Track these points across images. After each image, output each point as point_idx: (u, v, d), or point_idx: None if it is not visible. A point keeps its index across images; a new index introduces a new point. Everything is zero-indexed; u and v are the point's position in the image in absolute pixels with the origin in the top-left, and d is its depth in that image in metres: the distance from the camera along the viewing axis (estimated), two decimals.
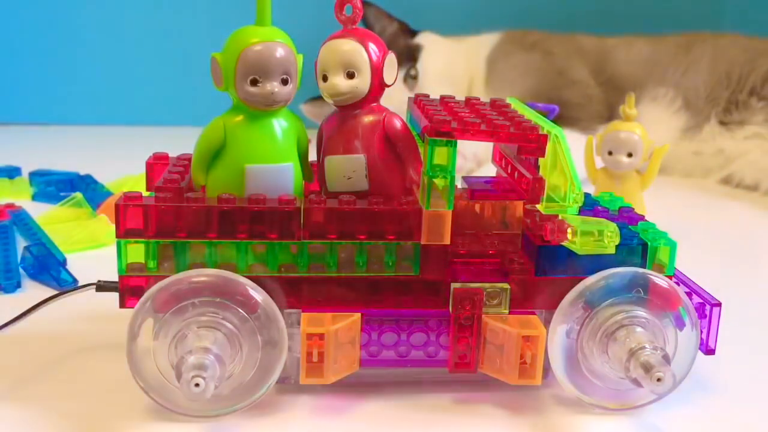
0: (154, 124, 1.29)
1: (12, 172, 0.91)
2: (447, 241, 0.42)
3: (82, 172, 0.90)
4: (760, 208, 0.91)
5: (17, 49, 1.29)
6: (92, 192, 0.83)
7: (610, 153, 0.70)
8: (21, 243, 0.67)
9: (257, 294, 0.41)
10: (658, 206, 0.74)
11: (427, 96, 0.49)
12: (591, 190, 0.73)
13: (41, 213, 0.75)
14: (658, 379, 0.39)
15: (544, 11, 1.23)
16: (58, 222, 0.72)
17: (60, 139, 1.21)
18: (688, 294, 0.45)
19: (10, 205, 0.76)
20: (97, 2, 1.27)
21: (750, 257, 0.75)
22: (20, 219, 0.72)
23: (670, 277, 0.44)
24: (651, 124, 1.01)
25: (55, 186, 0.85)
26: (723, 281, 0.64)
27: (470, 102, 0.48)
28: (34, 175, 0.87)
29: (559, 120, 1.02)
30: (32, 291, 0.59)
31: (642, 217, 0.47)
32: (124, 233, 0.41)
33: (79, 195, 0.75)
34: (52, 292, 0.57)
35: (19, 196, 0.84)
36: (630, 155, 0.69)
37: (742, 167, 0.98)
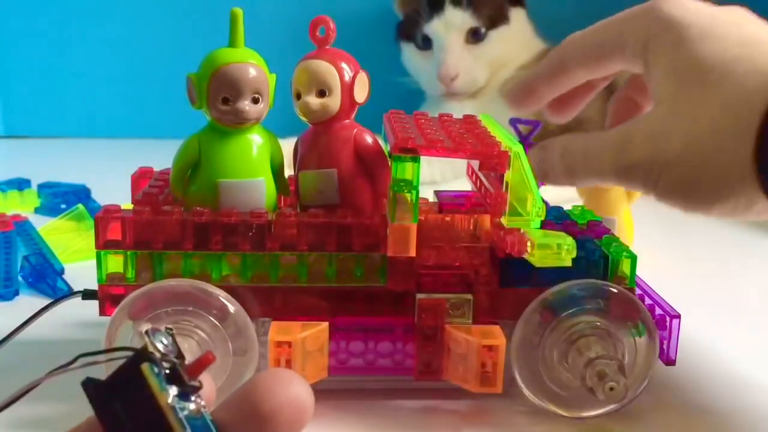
0: (166, 137, 1.32)
1: (22, 184, 0.94)
2: (412, 253, 0.43)
3: (90, 185, 0.93)
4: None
5: (31, 64, 1.33)
6: (95, 204, 0.85)
7: None
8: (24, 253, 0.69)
9: (229, 303, 0.43)
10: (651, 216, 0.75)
11: (401, 112, 0.50)
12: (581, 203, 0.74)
13: (44, 224, 0.78)
14: (611, 389, 0.40)
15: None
16: (60, 233, 0.74)
17: (70, 152, 1.24)
18: (650, 306, 0.46)
19: (16, 216, 0.79)
20: (109, 19, 1.31)
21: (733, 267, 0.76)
22: (23, 229, 0.74)
23: (631, 289, 0.45)
24: None
25: (61, 198, 0.88)
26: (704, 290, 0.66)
27: (442, 118, 0.49)
28: (42, 187, 0.90)
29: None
30: (28, 299, 0.61)
31: (608, 231, 0.48)
32: (103, 245, 0.44)
33: (81, 207, 0.78)
34: (46, 300, 0.60)
35: (26, 207, 0.87)
36: None
37: None
